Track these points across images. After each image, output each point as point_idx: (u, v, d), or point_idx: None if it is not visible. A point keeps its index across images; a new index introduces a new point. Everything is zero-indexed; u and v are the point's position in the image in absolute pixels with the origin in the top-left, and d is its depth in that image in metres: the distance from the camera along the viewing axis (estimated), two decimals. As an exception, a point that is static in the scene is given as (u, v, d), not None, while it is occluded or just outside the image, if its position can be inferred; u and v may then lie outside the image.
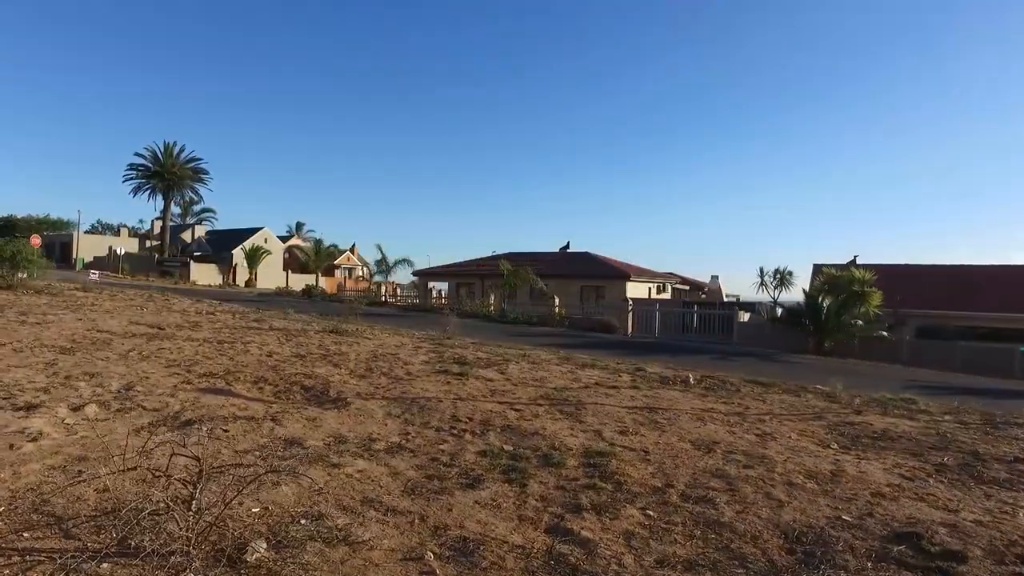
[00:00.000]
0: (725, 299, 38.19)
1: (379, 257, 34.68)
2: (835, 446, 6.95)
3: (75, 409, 6.39)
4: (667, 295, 36.93)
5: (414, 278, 41.21)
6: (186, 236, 65.89)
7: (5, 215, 58.45)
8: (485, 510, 4.35)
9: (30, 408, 6.21)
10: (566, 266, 35.97)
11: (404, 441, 6.09)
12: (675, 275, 40.47)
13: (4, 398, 6.56)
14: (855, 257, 37.20)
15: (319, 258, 46.35)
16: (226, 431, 5.90)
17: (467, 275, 39.53)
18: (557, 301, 27.64)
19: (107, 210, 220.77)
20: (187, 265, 53.84)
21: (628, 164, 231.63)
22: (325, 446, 5.70)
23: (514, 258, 36.28)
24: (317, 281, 43.60)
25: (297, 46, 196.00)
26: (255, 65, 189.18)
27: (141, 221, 79.05)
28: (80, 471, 4.46)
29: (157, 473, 3.71)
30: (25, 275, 23.40)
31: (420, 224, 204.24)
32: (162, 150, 57.69)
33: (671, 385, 10.89)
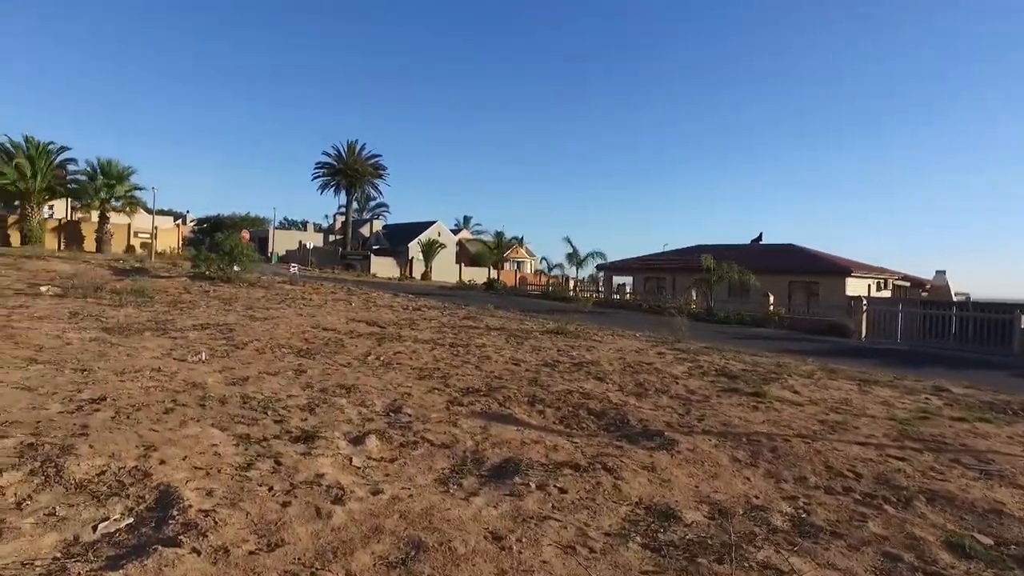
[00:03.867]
0: (955, 297, 32.86)
1: (570, 250, 33.08)
2: None
3: (354, 442, 5.11)
4: (887, 293, 32.20)
5: (597, 272, 39.29)
6: (364, 231, 68.78)
7: (214, 214, 64.07)
8: None
9: (308, 439, 5.00)
10: (767, 259, 32.22)
11: (808, 514, 4.18)
12: (889, 270, 35.37)
13: (276, 421, 5.44)
14: None
15: (500, 251, 45.93)
16: (563, 491, 4.28)
17: (655, 269, 36.95)
18: (772, 299, 24.60)
19: (289, 207, 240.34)
20: (367, 258, 55.81)
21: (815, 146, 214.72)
22: (712, 523, 3.92)
23: (703, 251, 33.39)
24: (498, 275, 43.18)
25: (465, 46, 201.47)
26: (425, 65, 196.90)
27: (326, 216, 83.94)
28: (434, 577, 2.95)
29: None
30: (238, 268, 24.26)
31: (581, 219, 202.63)
32: (345, 148, 60.41)
33: (1015, 415, 8.27)
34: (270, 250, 58.45)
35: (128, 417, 5.12)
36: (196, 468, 4.11)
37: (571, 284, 35.11)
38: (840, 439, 6.25)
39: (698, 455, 5.40)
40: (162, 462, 4.12)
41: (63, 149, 41.63)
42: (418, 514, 3.69)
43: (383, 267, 54.85)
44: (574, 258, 33.14)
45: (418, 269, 56.22)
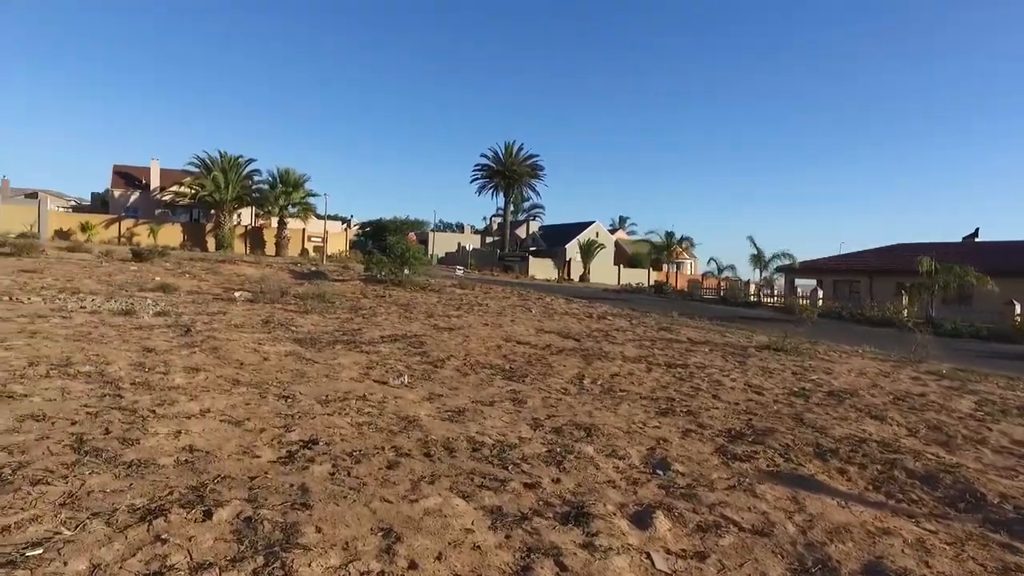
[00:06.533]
0: None
1: (753, 251, 30.26)
2: None
3: (637, 522, 3.74)
4: None
5: (772, 275, 35.90)
6: (520, 232, 68.71)
7: (376, 218, 66.79)
8: None
9: (578, 518, 3.68)
10: (995, 260, 26.75)
11: None
12: None
13: (527, 485, 4.15)
14: None
15: (668, 252, 43.61)
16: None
17: (847, 271, 32.99)
18: (1019, 308, 20.65)
19: (445, 209, 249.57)
20: (526, 260, 55.46)
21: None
22: None
23: (905, 251, 29.36)
24: (666, 277, 41.01)
25: (620, 45, 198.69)
26: (577, 61, 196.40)
27: (484, 218, 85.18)
28: None
29: None
30: (408, 272, 24.17)
31: (738, 218, 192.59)
32: (503, 150, 60.56)
33: None
34: (430, 252, 59.79)
35: (349, 475, 4.08)
36: (459, 576, 2.91)
37: (752, 288, 32.02)
38: None
39: None
40: (412, 566, 2.95)
41: (250, 161, 44.91)
42: None
43: (541, 268, 54.27)
44: (759, 259, 30.15)
45: (576, 271, 55.07)
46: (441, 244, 63.53)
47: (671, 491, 4.31)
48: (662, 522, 3.75)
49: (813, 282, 34.44)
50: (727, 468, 4.91)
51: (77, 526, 3.07)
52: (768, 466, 5.03)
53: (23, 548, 2.84)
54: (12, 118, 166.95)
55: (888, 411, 7.36)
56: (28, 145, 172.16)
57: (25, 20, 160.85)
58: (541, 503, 3.90)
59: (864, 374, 10.05)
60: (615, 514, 3.83)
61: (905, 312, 22.31)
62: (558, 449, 5.03)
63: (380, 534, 3.23)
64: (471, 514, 3.61)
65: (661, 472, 4.70)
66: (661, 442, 5.47)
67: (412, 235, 35.02)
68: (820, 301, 26.86)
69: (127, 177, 51.36)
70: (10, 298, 11.15)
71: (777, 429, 6.15)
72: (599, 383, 7.91)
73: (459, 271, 35.54)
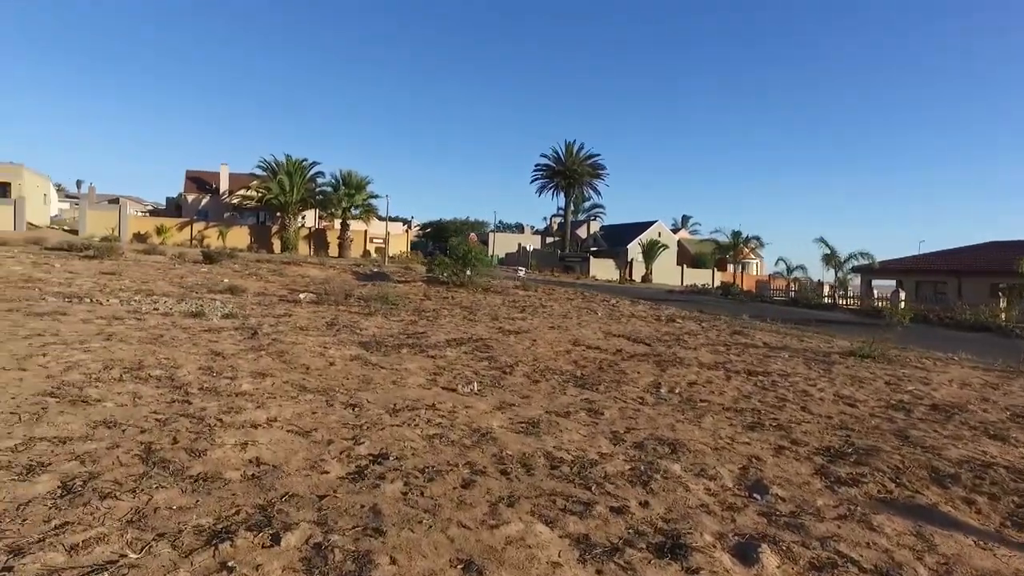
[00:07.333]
0: None
1: (826, 251, 28.95)
2: None
3: (741, 556, 3.34)
4: None
5: (846, 275, 34.19)
6: (580, 232, 68.05)
7: (436, 219, 67.31)
8: None
9: (673, 550, 3.30)
10: None
11: None
12: None
13: (614, 510, 3.78)
14: None
15: (735, 252, 42.33)
16: None
17: (933, 272, 31.08)
18: None
19: (503, 209, 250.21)
20: (587, 260, 54.85)
21: None
22: None
23: (1001, 249, 27.58)
24: (734, 278, 39.73)
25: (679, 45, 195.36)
26: (635, 61, 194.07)
27: (544, 218, 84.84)
28: None
29: None
30: (470, 273, 24.03)
31: (805, 216, 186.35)
32: (563, 149, 60.13)
33: None
34: (490, 253, 59.72)
35: (422, 495, 3.81)
36: (550, 622, 2.59)
37: (825, 289, 30.53)
38: None
39: None
40: (498, 607, 2.66)
41: (314, 164, 45.79)
42: None
43: (602, 269, 53.57)
44: (832, 259, 28.79)
45: (638, 271, 54.12)
46: (501, 245, 63.39)
47: (773, 519, 3.89)
48: (769, 558, 3.34)
49: (891, 283, 32.68)
50: (832, 493, 4.43)
51: (143, 548, 2.90)
52: (879, 492, 4.53)
53: (88, 573, 2.67)
54: (100, 128, 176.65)
55: (1009, 430, 6.67)
56: (111, 153, 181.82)
57: (115, 43, 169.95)
58: (631, 531, 3.55)
59: (968, 385, 9.28)
60: (714, 546, 3.44)
61: (1003, 316, 20.80)
62: (642, 467, 4.66)
63: (460, 567, 2.95)
64: (557, 543, 3.29)
65: (758, 496, 4.27)
66: (753, 460, 5.03)
67: (473, 236, 35.11)
68: (902, 303, 25.42)
69: (198, 182, 53.23)
70: (91, 300, 11.45)
71: (881, 448, 5.61)
72: (677, 392, 7.48)
73: (521, 272, 35.27)
